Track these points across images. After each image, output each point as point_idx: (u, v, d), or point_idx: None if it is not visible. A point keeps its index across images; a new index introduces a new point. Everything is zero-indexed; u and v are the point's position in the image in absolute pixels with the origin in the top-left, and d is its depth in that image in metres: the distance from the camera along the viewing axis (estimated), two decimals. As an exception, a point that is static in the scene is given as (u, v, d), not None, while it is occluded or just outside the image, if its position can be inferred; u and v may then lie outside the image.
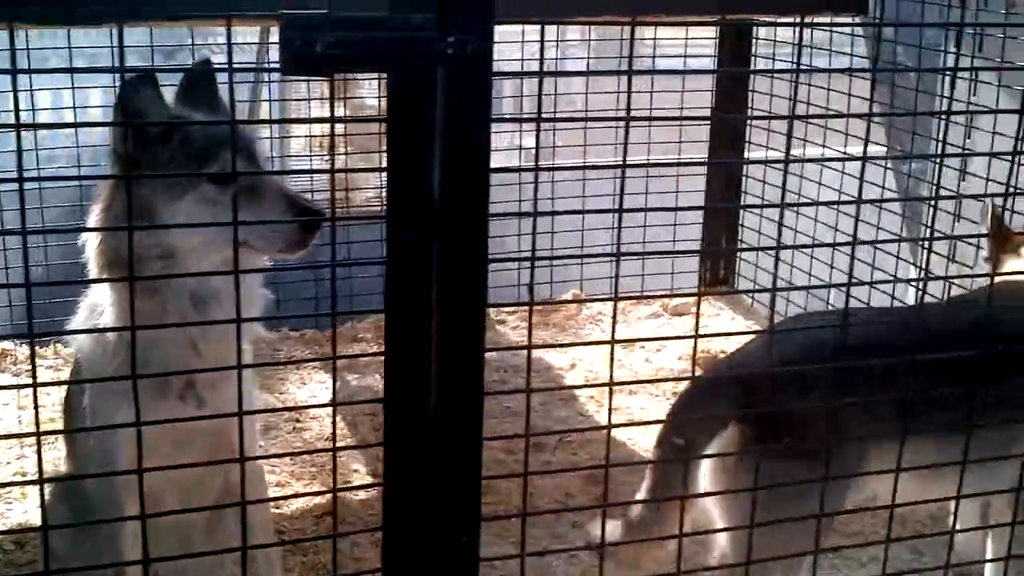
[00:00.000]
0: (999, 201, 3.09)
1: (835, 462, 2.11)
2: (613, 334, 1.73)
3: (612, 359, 1.81)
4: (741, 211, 5.40)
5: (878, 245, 4.04)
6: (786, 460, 2.18)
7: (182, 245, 2.14)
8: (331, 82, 1.48)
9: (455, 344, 1.65)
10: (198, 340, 2.21)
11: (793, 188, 4.81)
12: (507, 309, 5.22)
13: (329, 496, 3.44)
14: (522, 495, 1.77)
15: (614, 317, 1.68)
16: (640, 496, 2.41)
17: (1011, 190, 3.56)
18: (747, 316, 5.27)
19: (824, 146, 4.46)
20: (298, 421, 4.02)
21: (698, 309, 1.78)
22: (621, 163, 1.63)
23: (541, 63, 1.62)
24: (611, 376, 1.74)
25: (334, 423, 1.69)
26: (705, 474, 2.27)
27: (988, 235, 3.12)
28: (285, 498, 3.24)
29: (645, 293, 4.94)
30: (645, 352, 4.69)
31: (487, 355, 4.25)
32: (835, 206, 4.24)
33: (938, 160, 4.00)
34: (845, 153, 4.29)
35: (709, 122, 5.32)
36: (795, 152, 4.81)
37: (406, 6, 1.47)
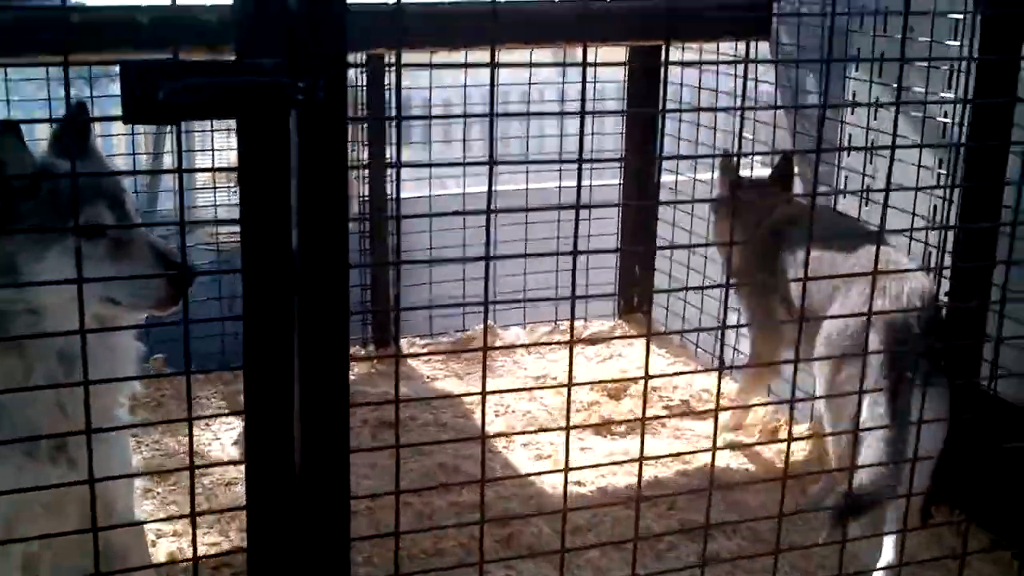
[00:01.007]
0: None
1: None
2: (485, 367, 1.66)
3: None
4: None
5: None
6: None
7: (49, 301, 2.03)
8: (177, 129, 1.40)
9: (319, 401, 1.57)
10: (66, 401, 2.09)
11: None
12: (419, 342, 5.13)
13: (229, 546, 3.35)
14: (398, 547, 1.68)
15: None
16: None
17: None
18: (660, 344, 5.25)
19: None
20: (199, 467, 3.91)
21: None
22: (487, 209, 1.58)
23: (399, 108, 1.57)
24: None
25: (192, 485, 1.59)
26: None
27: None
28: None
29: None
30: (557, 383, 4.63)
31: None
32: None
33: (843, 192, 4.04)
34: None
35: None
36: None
37: (253, 51, 1.40)
